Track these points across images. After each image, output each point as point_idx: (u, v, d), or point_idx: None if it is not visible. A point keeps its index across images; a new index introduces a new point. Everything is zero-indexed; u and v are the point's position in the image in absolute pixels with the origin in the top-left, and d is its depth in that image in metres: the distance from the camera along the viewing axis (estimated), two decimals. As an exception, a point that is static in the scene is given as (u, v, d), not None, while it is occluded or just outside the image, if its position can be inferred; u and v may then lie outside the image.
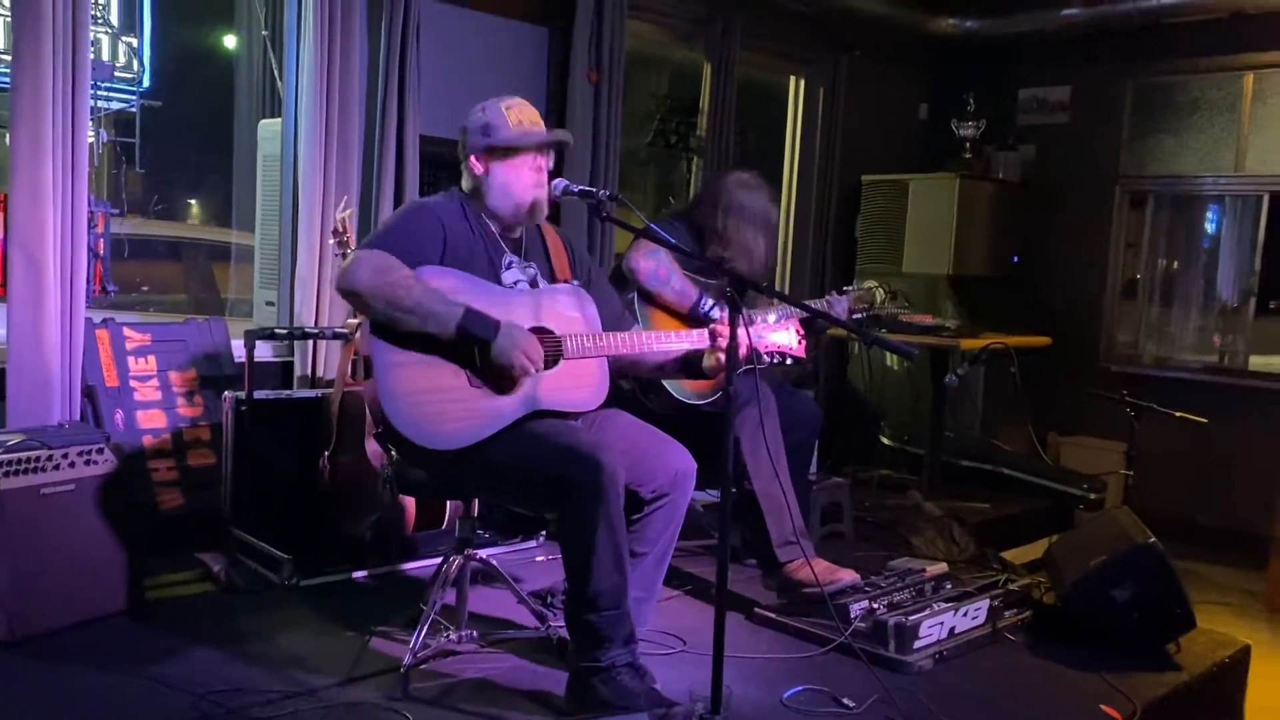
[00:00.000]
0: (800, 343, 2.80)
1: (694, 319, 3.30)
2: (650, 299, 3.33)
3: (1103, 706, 2.69)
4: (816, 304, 3.69)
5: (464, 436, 2.46)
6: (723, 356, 2.61)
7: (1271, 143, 5.56)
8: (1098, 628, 3.06)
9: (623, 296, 3.31)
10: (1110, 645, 3.02)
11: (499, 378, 2.49)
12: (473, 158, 2.63)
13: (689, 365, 2.79)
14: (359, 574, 3.34)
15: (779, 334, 2.78)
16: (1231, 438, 5.27)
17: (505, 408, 2.50)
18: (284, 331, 3.74)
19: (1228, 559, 5.12)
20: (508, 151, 2.62)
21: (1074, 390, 5.48)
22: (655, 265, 3.28)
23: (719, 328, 2.69)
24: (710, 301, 3.31)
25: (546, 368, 2.56)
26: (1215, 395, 5.51)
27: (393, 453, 2.62)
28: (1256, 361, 5.87)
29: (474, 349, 2.46)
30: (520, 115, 2.63)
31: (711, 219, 3.46)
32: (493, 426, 2.47)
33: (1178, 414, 4.19)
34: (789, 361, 2.83)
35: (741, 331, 2.25)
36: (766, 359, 2.82)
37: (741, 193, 3.48)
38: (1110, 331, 6.12)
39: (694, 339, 2.74)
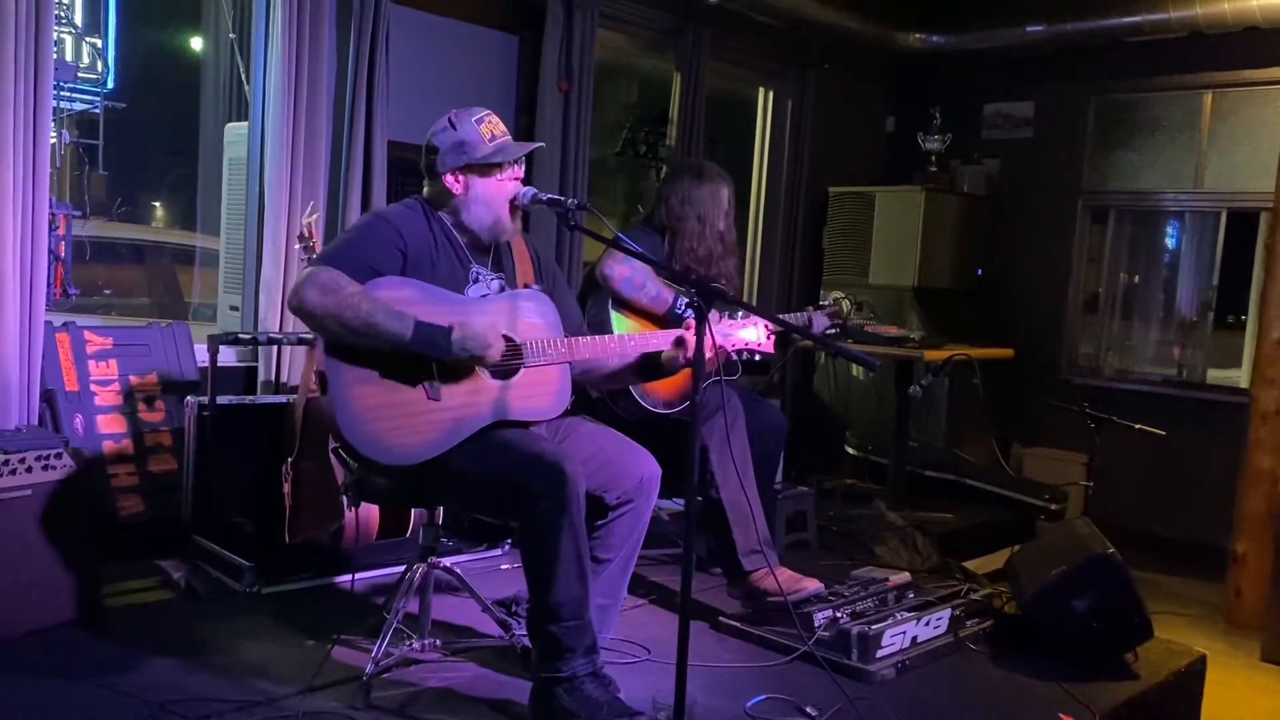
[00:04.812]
0: (769, 338, 2.81)
1: (671, 322, 3.32)
2: (625, 306, 3.33)
3: (1062, 715, 2.72)
4: (795, 318, 3.71)
5: (422, 451, 2.44)
6: (688, 355, 2.63)
7: (1230, 160, 5.66)
8: (1058, 637, 3.09)
9: (598, 304, 3.32)
10: (1070, 654, 3.06)
11: (465, 375, 2.46)
12: (448, 176, 2.59)
13: (646, 367, 2.79)
14: (322, 581, 3.32)
15: (746, 330, 2.79)
16: (1190, 450, 5.35)
17: (466, 419, 2.49)
18: (248, 337, 3.70)
19: (1186, 570, 5.19)
20: (488, 168, 2.61)
21: (1036, 402, 5.54)
22: (630, 272, 3.29)
23: (686, 334, 2.70)
24: (686, 303, 3.31)
25: (508, 377, 2.55)
26: (1174, 407, 5.59)
27: (353, 463, 2.60)
28: (1214, 375, 5.96)
29: (431, 362, 2.44)
30: (492, 128, 2.61)
31: (665, 216, 3.49)
32: (453, 439, 2.46)
33: (1137, 426, 4.24)
34: (757, 358, 2.84)
35: (708, 339, 2.25)
36: (734, 357, 2.83)
37: (685, 181, 3.51)
38: (1072, 344, 6.20)
39: (657, 340, 2.74)
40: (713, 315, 2.40)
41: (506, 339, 2.56)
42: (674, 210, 3.48)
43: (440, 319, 2.45)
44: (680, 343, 2.72)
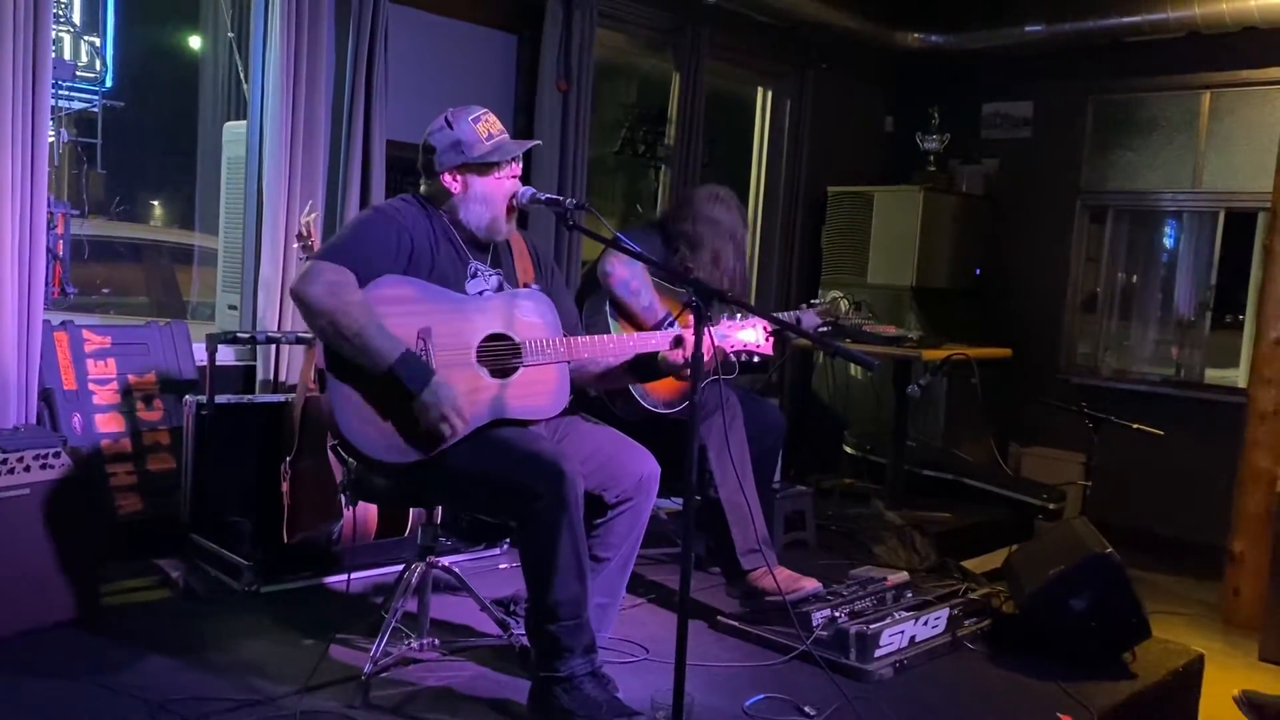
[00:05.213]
0: (767, 339, 2.82)
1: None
2: (618, 308, 3.33)
3: (1060, 715, 2.72)
4: (786, 316, 3.71)
5: (418, 449, 2.44)
6: (686, 356, 2.64)
7: (1228, 160, 5.66)
8: (1055, 636, 3.09)
9: (595, 303, 3.32)
10: (1067, 654, 3.06)
11: (463, 373, 2.46)
12: (446, 175, 2.60)
13: (640, 368, 2.79)
14: (320, 580, 3.32)
15: (745, 332, 2.79)
16: (1187, 449, 5.35)
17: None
18: (246, 336, 3.70)
19: (1183, 569, 5.20)
20: (485, 166, 2.61)
21: (1034, 401, 5.54)
22: (629, 275, 3.28)
23: (685, 333, 2.70)
24: (674, 319, 3.31)
25: (507, 375, 2.55)
26: (1172, 407, 5.60)
27: (351, 461, 2.60)
28: (1212, 374, 5.97)
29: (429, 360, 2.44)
30: (489, 126, 2.62)
31: (683, 231, 3.48)
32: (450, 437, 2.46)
33: (1135, 425, 4.25)
34: (755, 359, 2.84)
35: (707, 338, 2.24)
36: (733, 359, 2.83)
37: (711, 206, 3.51)
38: (1070, 344, 6.20)
39: (656, 341, 2.74)
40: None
41: (505, 337, 2.57)
42: (695, 237, 3.45)
43: (439, 318, 2.46)
44: (679, 343, 2.72)
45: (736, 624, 3.14)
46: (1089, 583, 3.07)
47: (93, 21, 3.95)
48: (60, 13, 3.74)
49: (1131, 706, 2.90)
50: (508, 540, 3.79)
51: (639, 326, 3.32)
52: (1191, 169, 5.78)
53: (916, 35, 6.17)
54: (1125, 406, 4.62)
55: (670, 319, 3.31)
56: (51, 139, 3.46)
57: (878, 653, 2.88)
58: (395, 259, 2.50)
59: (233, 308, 4.09)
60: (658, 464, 2.71)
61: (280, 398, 3.66)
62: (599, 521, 2.67)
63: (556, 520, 2.36)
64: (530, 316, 2.64)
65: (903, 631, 2.98)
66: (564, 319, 2.74)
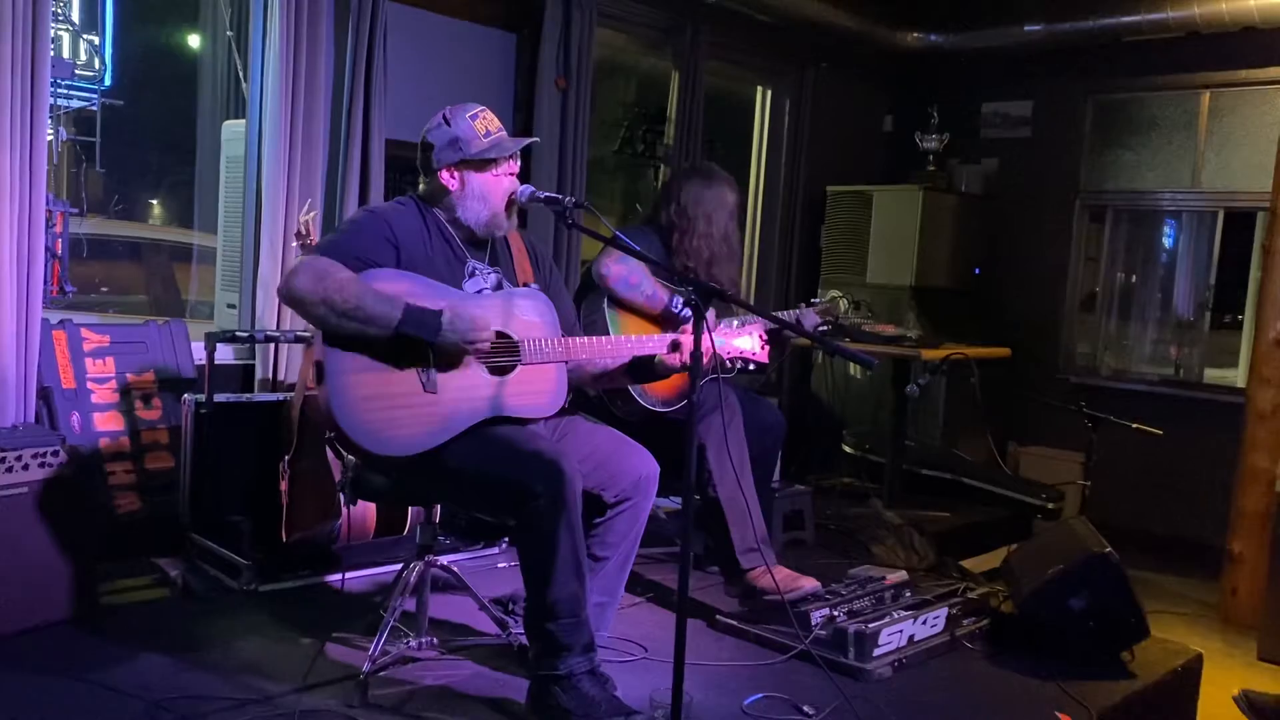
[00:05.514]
0: (763, 348, 2.82)
1: (667, 321, 3.32)
2: (621, 304, 3.33)
3: (1058, 714, 2.72)
4: (786, 315, 3.70)
5: (417, 443, 2.44)
6: (684, 359, 2.64)
7: (1227, 160, 5.67)
8: (1054, 636, 3.09)
9: (593, 303, 3.32)
10: (1066, 654, 3.06)
11: (454, 365, 2.46)
12: (444, 172, 2.60)
13: (638, 368, 2.79)
14: (319, 579, 3.32)
15: (742, 339, 2.80)
16: (1186, 449, 5.35)
17: (462, 413, 2.49)
18: (245, 334, 3.71)
19: (1182, 569, 5.19)
20: (484, 163, 2.61)
21: (1033, 401, 5.55)
22: (626, 271, 3.29)
23: (682, 337, 2.70)
24: (682, 301, 3.32)
25: (505, 373, 2.55)
26: (1171, 407, 5.60)
27: (350, 458, 2.60)
28: (1211, 374, 5.97)
29: (424, 348, 2.43)
30: (487, 123, 2.62)
31: (673, 215, 3.48)
32: (448, 432, 2.46)
33: (1134, 425, 4.25)
34: (751, 368, 2.85)
35: (705, 339, 2.24)
36: (730, 365, 2.83)
37: (695, 182, 3.50)
38: (1069, 343, 6.21)
39: (654, 344, 2.74)
40: (710, 316, 2.40)
41: (503, 335, 2.57)
42: (681, 210, 3.46)
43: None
44: (676, 347, 2.72)
45: (735, 623, 3.14)
46: (1088, 582, 3.07)
47: (92, 20, 3.95)
48: (59, 11, 3.74)
49: (1130, 706, 2.91)
50: (506, 539, 3.79)
51: (645, 316, 3.32)
52: (1191, 169, 5.78)
53: (916, 35, 6.17)
54: (1124, 406, 4.62)
55: (678, 304, 3.30)
56: (50, 137, 3.46)
57: (876, 652, 2.88)
58: (385, 256, 2.50)
59: (231, 306, 4.09)
60: (657, 463, 2.71)
61: (279, 396, 3.66)
62: (598, 521, 2.67)
63: (555, 519, 2.35)
64: (529, 315, 2.64)
65: (901, 631, 2.98)
66: (563, 319, 2.74)
